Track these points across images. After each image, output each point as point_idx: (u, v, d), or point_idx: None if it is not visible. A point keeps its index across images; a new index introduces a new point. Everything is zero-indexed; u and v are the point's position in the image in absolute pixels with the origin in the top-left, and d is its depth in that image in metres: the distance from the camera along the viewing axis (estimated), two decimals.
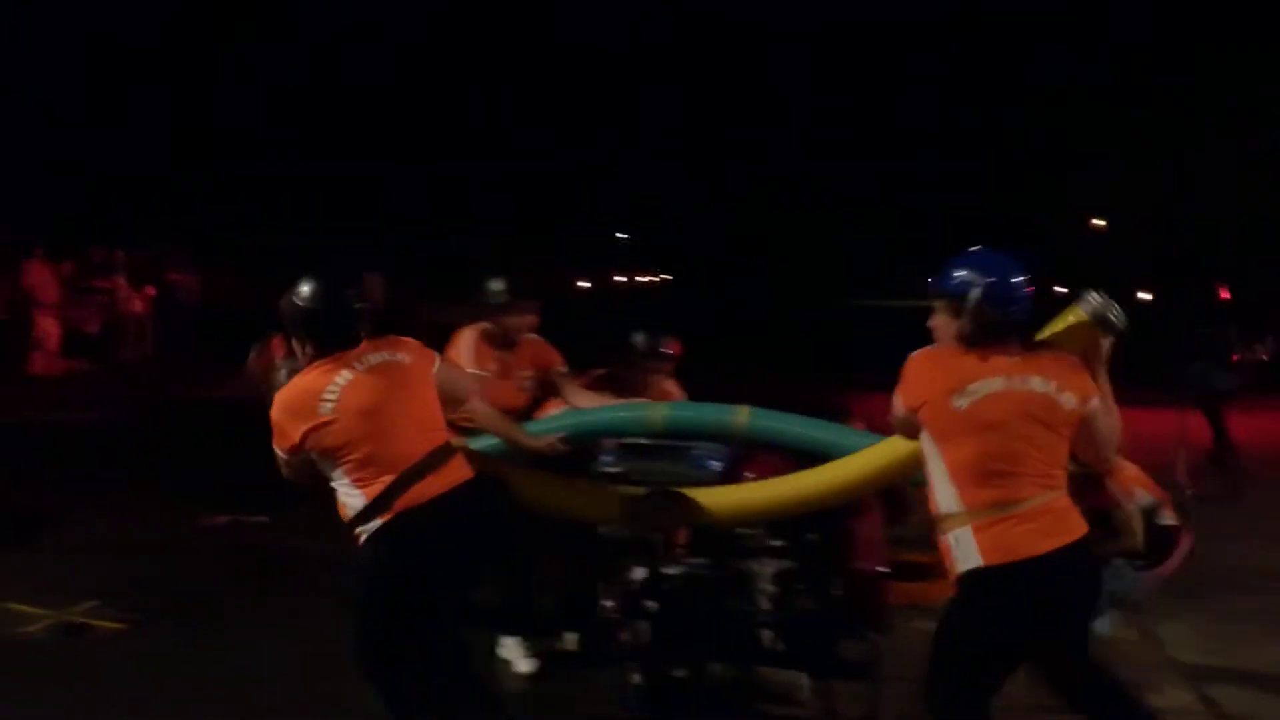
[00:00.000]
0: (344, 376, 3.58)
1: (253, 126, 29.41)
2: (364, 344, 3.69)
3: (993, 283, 3.19)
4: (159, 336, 17.47)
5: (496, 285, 5.03)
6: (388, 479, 3.51)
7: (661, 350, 5.80)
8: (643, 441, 4.45)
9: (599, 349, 6.02)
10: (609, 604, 4.36)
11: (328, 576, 5.04)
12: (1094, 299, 3.33)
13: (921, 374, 3.27)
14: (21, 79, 23.65)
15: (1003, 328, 3.20)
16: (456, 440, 3.90)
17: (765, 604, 4.17)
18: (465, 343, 5.10)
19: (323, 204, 27.63)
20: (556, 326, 5.37)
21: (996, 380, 3.16)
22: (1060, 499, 3.21)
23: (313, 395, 3.56)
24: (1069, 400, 3.19)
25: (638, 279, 65.51)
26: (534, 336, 5.22)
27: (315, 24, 34.40)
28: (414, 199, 32.01)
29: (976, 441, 3.15)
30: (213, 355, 16.85)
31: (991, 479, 3.15)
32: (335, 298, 3.65)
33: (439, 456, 3.62)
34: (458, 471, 3.65)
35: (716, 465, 4.32)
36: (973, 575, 3.17)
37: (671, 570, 4.30)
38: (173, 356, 17.00)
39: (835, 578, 4.14)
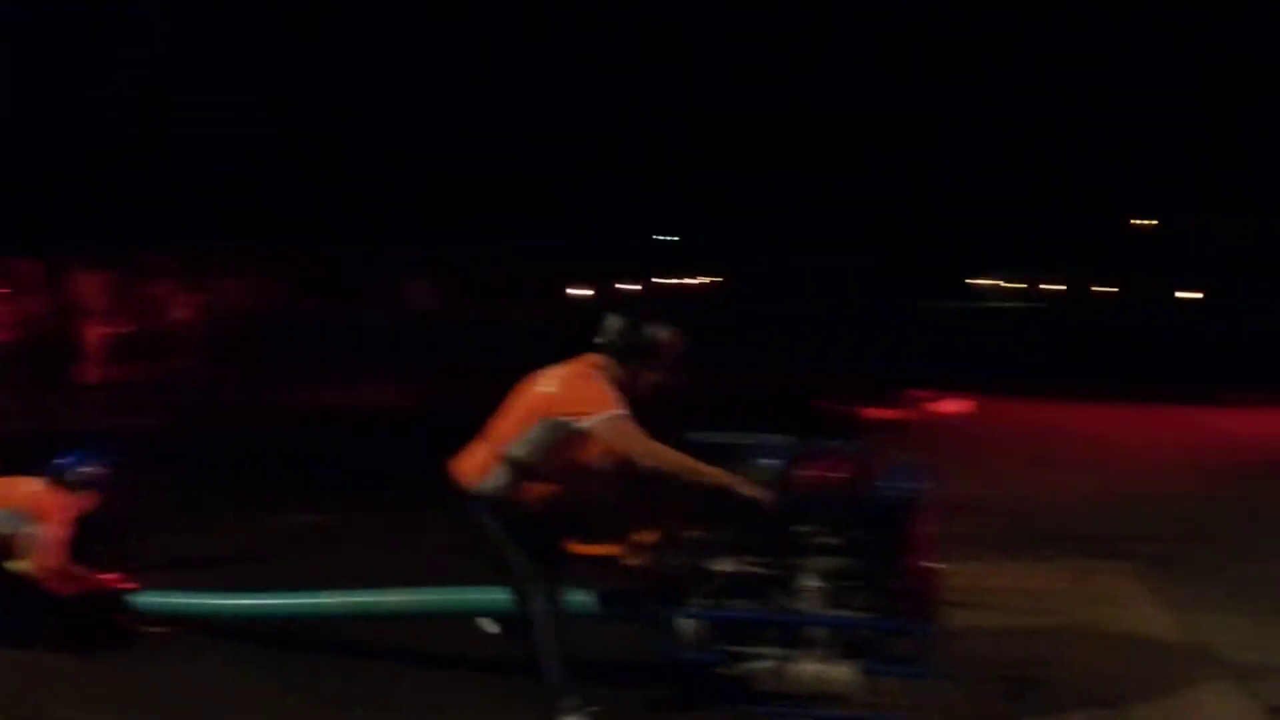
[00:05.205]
0: None
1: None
2: None
3: None
4: (206, 342, 17.49)
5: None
6: None
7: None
8: (711, 438, 4.38)
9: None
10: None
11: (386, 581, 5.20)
12: None
13: None
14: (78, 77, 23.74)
15: None
16: None
17: (815, 600, 4.20)
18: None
19: (370, 210, 27.52)
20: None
21: None
22: None
23: None
24: None
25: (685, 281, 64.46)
26: None
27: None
28: (461, 203, 31.75)
29: None
30: (260, 360, 17.09)
31: None
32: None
33: None
34: None
35: (773, 464, 4.31)
36: None
37: (722, 567, 4.31)
38: (221, 362, 16.98)
39: (888, 573, 4.15)
